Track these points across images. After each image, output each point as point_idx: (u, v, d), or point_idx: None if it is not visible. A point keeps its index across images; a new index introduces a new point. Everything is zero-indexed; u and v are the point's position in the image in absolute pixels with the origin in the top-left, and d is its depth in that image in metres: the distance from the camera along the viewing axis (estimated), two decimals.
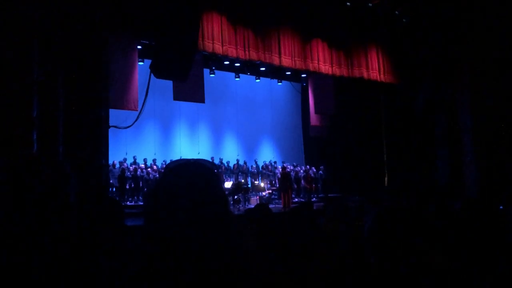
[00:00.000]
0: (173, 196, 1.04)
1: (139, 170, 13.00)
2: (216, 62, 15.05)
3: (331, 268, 2.55)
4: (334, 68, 14.07)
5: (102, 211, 1.68)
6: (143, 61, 12.57)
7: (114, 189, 12.52)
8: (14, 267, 1.14)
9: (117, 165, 12.78)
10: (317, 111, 15.59)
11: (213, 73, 15.14)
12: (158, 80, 11.04)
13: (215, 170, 1.13)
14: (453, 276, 1.62)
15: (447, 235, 2.35)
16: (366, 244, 1.27)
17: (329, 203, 6.13)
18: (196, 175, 1.08)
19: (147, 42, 12.08)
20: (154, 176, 13.01)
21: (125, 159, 13.25)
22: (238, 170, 15.33)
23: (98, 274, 1.37)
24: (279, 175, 14.27)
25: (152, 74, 10.72)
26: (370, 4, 13.77)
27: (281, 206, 13.35)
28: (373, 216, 1.28)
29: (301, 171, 15.57)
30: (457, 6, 13.17)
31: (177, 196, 1.04)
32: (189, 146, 15.98)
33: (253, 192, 14.32)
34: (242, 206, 12.62)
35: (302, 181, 15.24)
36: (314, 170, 15.82)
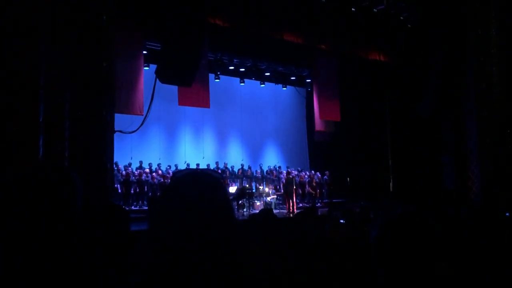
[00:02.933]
0: (179, 204, 1.05)
1: (144, 174, 13.01)
2: (221, 67, 15.11)
3: (335, 274, 2.54)
4: (338, 46, 13.95)
5: (108, 220, 1.68)
6: (148, 66, 12.65)
7: (118, 193, 12.53)
8: (20, 275, 1.14)
9: (122, 170, 12.80)
10: (322, 117, 15.56)
11: (218, 78, 15.19)
12: (163, 84, 11.08)
13: (221, 180, 1.12)
14: (460, 285, 1.61)
15: (453, 243, 2.34)
16: (371, 252, 1.26)
17: (333, 208, 6.11)
18: (202, 184, 1.08)
19: (153, 46, 12.13)
20: (158, 180, 13.01)
21: (130, 164, 13.28)
22: (242, 175, 15.33)
23: (104, 281, 1.38)
24: (283, 180, 14.25)
25: (157, 79, 10.76)
26: (375, 10, 13.78)
27: (285, 211, 13.33)
28: (381, 224, 1.27)
29: (306, 176, 15.55)
30: (462, 10, 13.13)
31: (183, 204, 1.04)
32: (194, 150, 16.01)
33: (258, 197, 14.31)
34: (247, 211, 12.60)
35: (307, 186, 15.22)
36: (319, 175, 15.79)
